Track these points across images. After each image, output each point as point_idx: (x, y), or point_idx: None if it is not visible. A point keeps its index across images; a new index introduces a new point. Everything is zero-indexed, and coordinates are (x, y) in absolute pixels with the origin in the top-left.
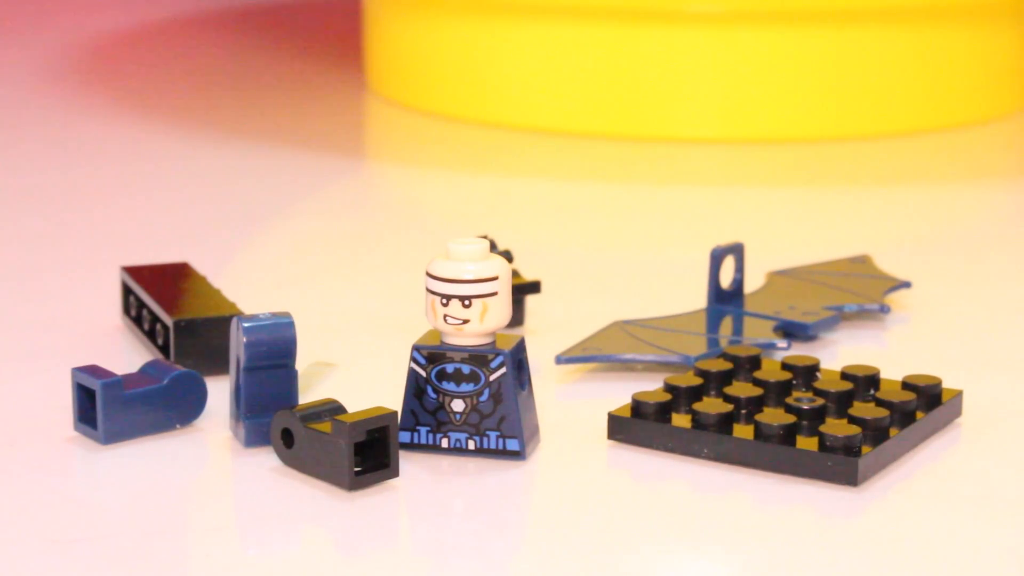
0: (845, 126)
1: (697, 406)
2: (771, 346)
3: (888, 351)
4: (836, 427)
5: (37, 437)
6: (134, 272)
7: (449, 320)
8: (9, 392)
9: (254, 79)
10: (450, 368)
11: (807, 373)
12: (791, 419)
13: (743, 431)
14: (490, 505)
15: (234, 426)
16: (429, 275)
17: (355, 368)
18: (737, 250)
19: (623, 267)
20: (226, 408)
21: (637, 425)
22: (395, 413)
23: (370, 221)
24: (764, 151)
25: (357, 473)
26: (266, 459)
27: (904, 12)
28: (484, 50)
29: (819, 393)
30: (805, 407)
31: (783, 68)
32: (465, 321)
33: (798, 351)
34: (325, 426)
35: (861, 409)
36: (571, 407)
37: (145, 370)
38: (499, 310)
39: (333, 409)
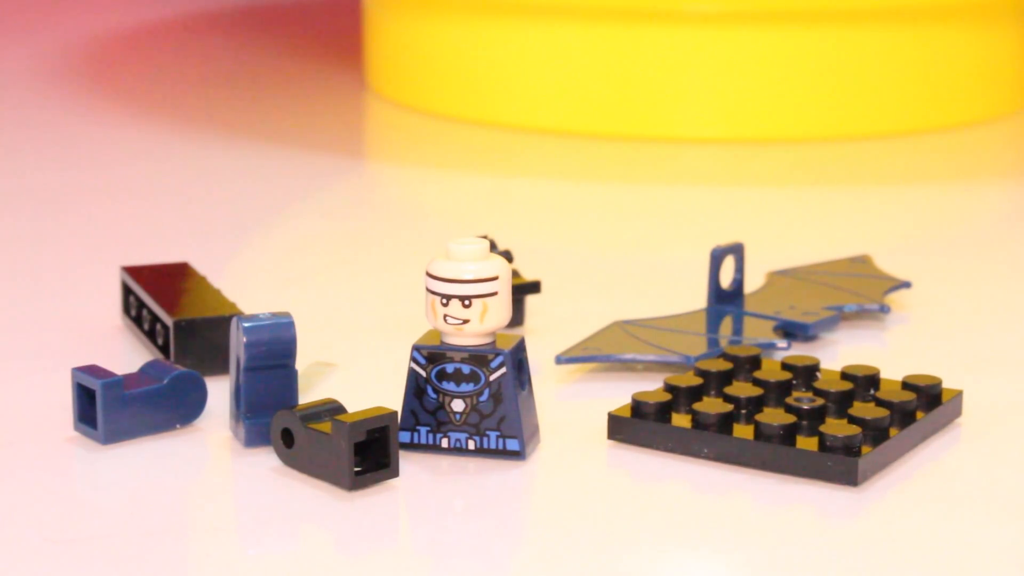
0: (845, 126)
1: (697, 406)
2: (771, 346)
3: (888, 351)
4: (836, 427)
5: (37, 437)
6: (134, 272)
7: (449, 320)
8: (9, 392)
9: (254, 79)
10: (450, 368)
11: (807, 373)
12: (791, 419)
13: (743, 431)
14: (490, 505)
15: (234, 426)
16: (429, 275)
17: (355, 368)
18: (737, 250)
19: (623, 267)
20: (226, 408)
21: (637, 425)
22: (395, 413)
23: (370, 221)
24: (764, 151)
25: (357, 473)
26: (266, 459)
27: (904, 12)
28: (484, 50)
29: (819, 393)
30: (805, 407)
31: (783, 68)
32: (465, 321)
33: (798, 351)
34: (325, 426)
35: (861, 409)
36: (571, 407)
37: (145, 370)
38: (499, 310)
39: (333, 409)
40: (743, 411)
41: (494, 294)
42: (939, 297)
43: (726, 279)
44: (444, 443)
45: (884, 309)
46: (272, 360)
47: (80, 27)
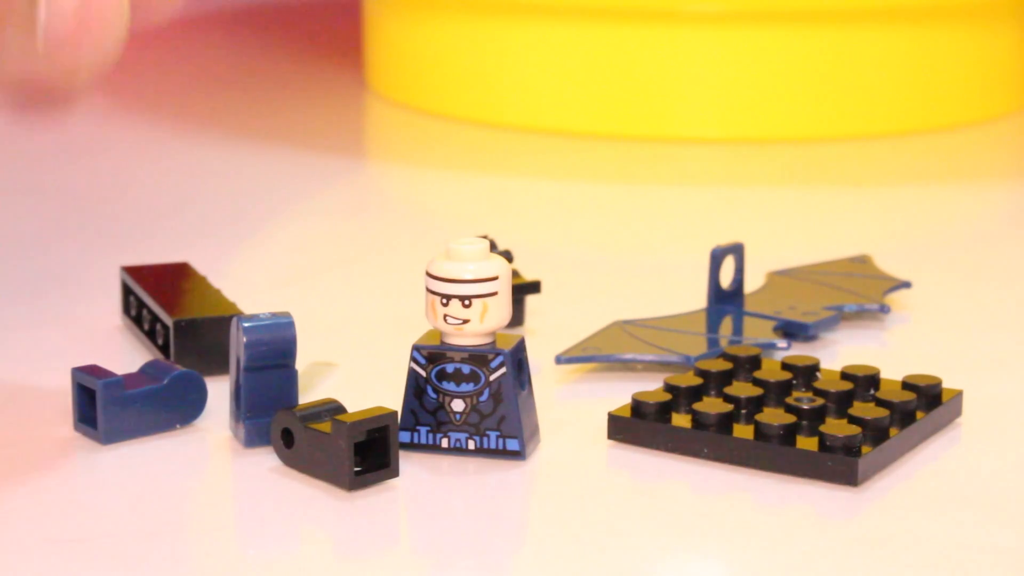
0: (845, 126)
1: (697, 406)
2: (771, 346)
3: (888, 351)
4: (836, 427)
5: (37, 437)
6: (134, 272)
7: (449, 320)
8: (9, 392)
9: (254, 79)
10: (450, 368)
11: (807, 373)
12: (791, 419)
13: (743, 431)
14: (490, 505)
15: (234, 426)
16: (429, 275)
17: (355, 368)
18: (737, 250)
19: (623, 267)
20: (226, 408)
21: (637, 425)
22: (395, 413)
23: (370, 221)
24: (764, 151)
25: (357, 473)
26: (266, 459)
27: (904, 12)
28: (484, 50)
29: (819, 393)
30: (805, 407)
31: (783, 68)
32: (465, 321)
33: (798, 351)
34: (325, 426)
35: (861, 409)
36: (571, 407)
37: (145, 370)
38: (499, 310)
39: (333, 409)
40: (743, 411)
41: (494, 294)
42: (939, 297)
43: (726, 279)
44: (444, 443)
45: (884, 309)
46: (272, 360)
47: None
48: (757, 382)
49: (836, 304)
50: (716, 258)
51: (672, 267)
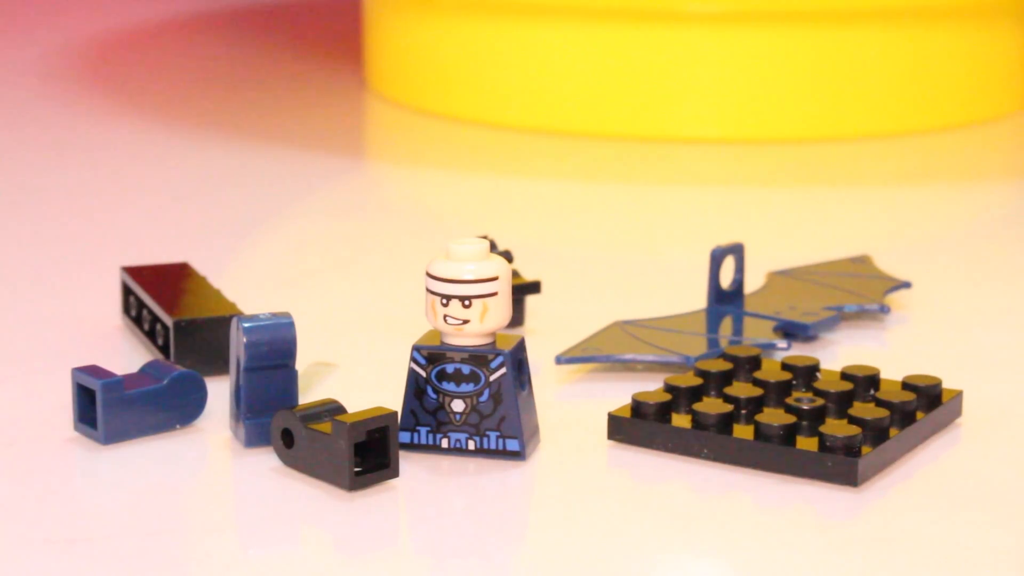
0: (845, 126)
1: (697, 406)
2: (771, 346)
3: (888, 351)
4: (836, 427)
5: (37, 437)
6: (134, 272)
7: (449, 320)
8: (9, 392)
9: (254, 79)
10: (450, 368)
11: (807, 373)
12: (791, 419)
13: (743, 431)
14: (490, 505)
15: (234, 426)
16: (429, 275)
17: (355, 368)
18: (737, 250)
19: (623, 267)
20: (226, 408)
21: (637, 425)
22: (395, 413)
23: (370, 221)
24: (764, 151)
25: (357, 473)
26: (266, 459)
27: (903, 12)
28: (484, 50)
29: (819, 393)
30: (805, 407)
31: (783, 68)
32: (465, 321)
33: (798, 351)
34: (325, 426)
35: (861, 409)
36: (571, 407)
37: (145, 370)
38: (499, 310)
39: (333, 409)
40: (743, 411)
41: (494, 294)
42: (939, 297)
43: (726, 279)
44: (444, 443)
45: (884, 309)
46: (272, 360)
47: (80, 27)
48: (757, 382)
49: (836, 304)
50: (716, 258)
51: (672, 267)
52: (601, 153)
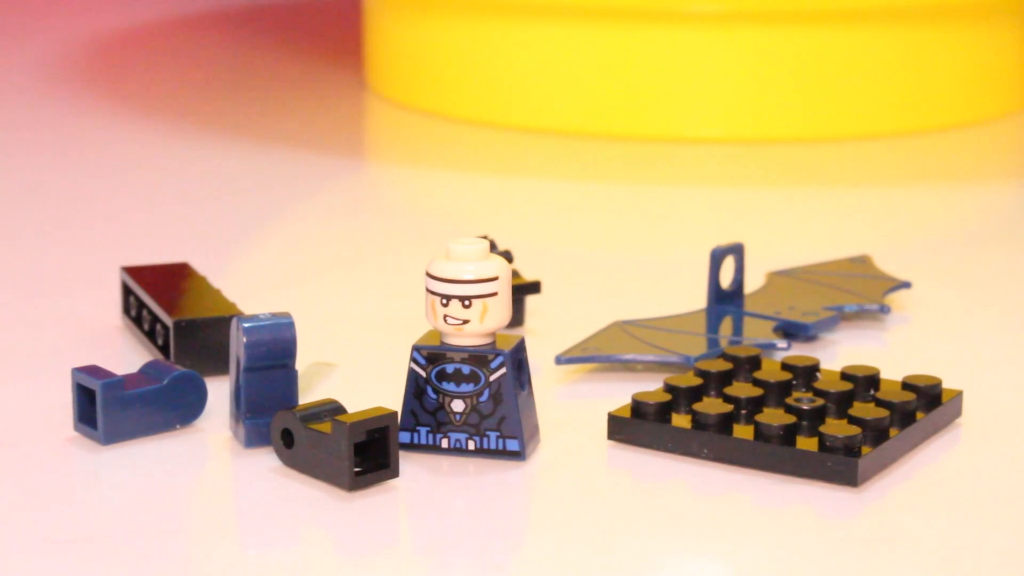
0: (845, 126)
1: (697, 406)
2: (771, 346)
3: (888, 351)
4: (836, 427)
5: (37, 437)
6: (134, 272)
7: (449, 320)
8: (9, 392)
9: (254, 79)
10: (450, 368)
11: (807, 373)
12: (791, 419)
13: (743, 431)
14: (490, 505)
15: (234, 426)
16: (429, 275)
17: (355, 368)
18: (737, 250)
19: (623, 267)
20: (226, 408)
21: (637, 425)
22: (395, 413)
23: (370, 221)
24: (764, 151)
25: (357, 473)
26: (266, 459)
27: (904, 12)
28: (484, 50)
29: (819, 393)
30: (805, 407)
31: (783, 68)
32: (465, 321)
33: (798, 351)
34: (325, 426)
35: (861, 409)
36: (571, 407)
37: (145, 370)
38: (499, 310)
39: (333, 409)
40: (743, 411)
41: (494, 294)
42: (939, 297)
43: (726, 279)
44: (444, 443)
45: (884, 309)
46: (272, 360)
47: (80, 27)
48: (757, 382)
49: (836, 304)
50: (716, 258)
51: (672, 267)
52: (601, 153)
